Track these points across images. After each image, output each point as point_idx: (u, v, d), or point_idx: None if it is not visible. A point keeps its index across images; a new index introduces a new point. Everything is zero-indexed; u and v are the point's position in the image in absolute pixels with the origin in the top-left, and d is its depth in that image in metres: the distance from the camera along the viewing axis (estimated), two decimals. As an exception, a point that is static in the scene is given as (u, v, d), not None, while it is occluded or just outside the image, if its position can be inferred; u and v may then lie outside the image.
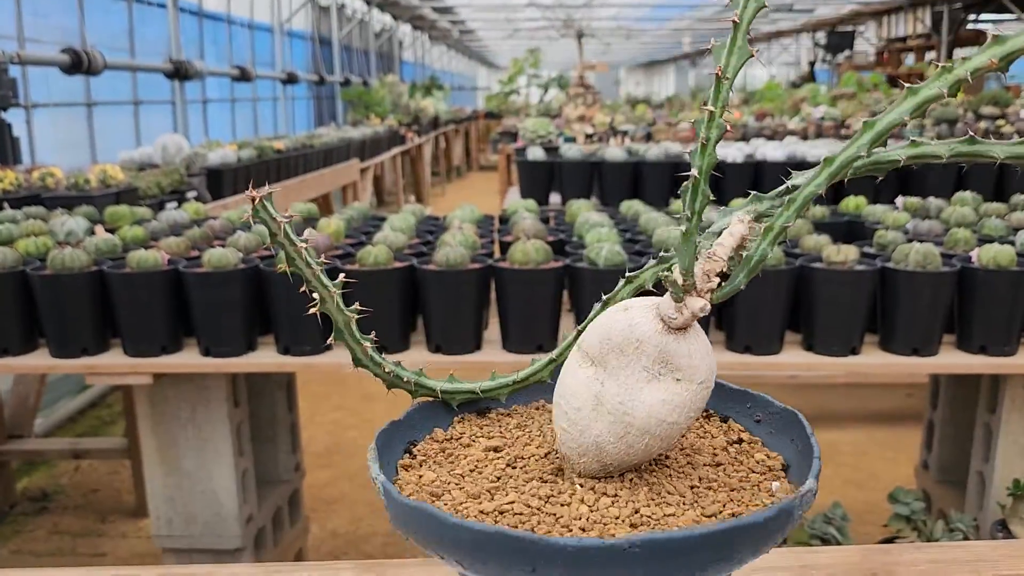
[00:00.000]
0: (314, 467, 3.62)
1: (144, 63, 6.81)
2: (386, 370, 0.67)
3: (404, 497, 0.54)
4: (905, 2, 13.33)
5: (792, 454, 0.64)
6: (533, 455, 0.63)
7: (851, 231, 2.66)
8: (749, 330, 2.04)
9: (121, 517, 3.33)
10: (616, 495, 0.57)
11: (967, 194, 2.78)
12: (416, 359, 2.07)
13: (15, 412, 3.47)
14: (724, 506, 0.56)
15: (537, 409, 0.73)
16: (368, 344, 0.67)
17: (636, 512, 0.54)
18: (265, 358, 2.13)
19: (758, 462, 0.63)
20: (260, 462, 2.64)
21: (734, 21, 0.56)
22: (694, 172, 0.56)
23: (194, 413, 2.31)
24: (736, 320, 2.05)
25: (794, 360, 2.05)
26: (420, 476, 0.61)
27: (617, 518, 0.54)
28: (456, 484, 0.59)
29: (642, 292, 0.67)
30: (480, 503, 0.56)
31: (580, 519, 0.54)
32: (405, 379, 0.68)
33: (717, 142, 0.56)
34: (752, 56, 0.57)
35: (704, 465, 0.63)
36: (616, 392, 0.57)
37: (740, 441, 0.67)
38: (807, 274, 2.02)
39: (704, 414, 0.71)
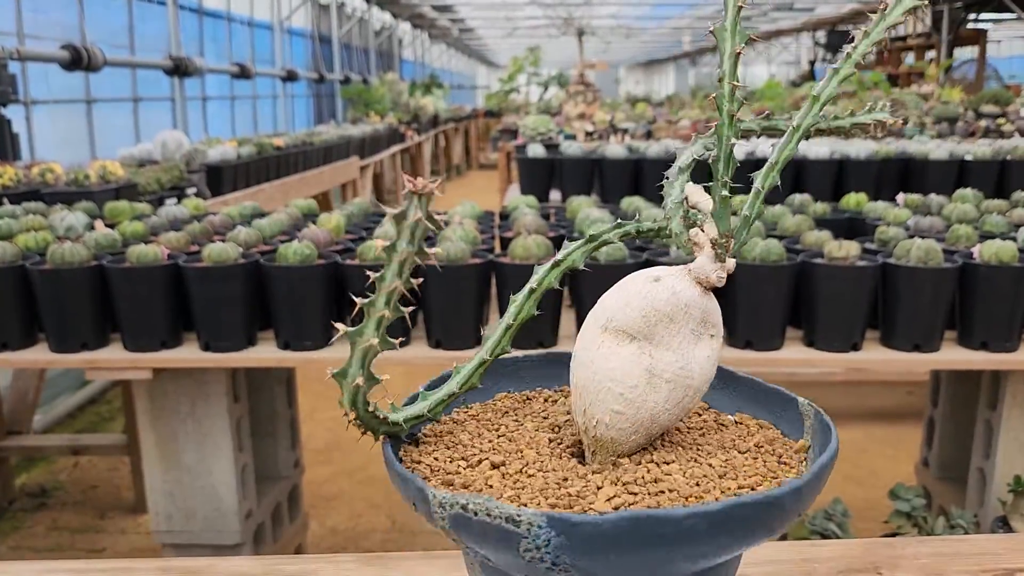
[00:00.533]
0: (313, 464, 3.62)
1: (144, 59, 6.80)
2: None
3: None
4: None
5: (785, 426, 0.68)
6: (535, 452, 0.63)
7: (852, 228, 2.66)
8: (750, 326, 2.04)
9: (120, 513, 3.32)
10: (673, 460, 0.60)
11: (968, 191, 2.77)
12: (416, 354, 2.07)
13: (14, 408, 3.46)
14: (760, 480, 0.59)
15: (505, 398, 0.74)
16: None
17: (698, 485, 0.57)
18: (265, 353, 2.12)
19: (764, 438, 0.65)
20: (260, 458, 2.64)
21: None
22: (730, 142, 0.62)
23: (194, 408, 2.30)
24: (737, 316, 2.04)
25: (795, 356, 2.05)
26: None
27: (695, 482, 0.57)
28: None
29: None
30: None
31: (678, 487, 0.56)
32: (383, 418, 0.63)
33: (738, 111, 0.62)
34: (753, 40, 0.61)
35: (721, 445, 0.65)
36: (673, 359, 0.59)
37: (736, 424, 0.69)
38: (808, 270, 2.01)
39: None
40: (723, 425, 0.68)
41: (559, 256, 0.66)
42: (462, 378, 0.66)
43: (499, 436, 0.66)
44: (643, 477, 0.57)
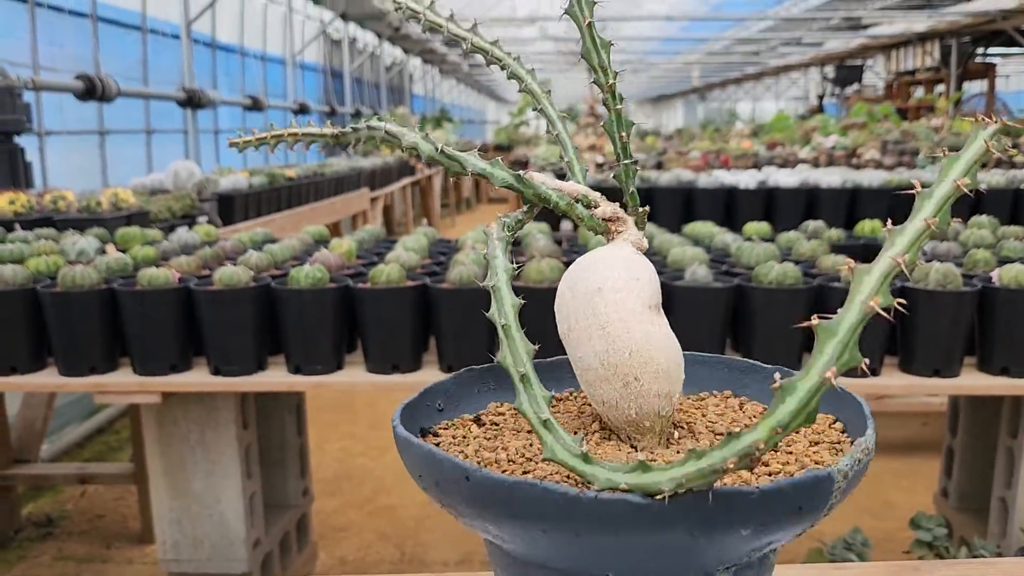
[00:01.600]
0: (322, 494, 3.58)
1: (157, 91, 6.87)
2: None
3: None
4: (914, 36, 13.39)
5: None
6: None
7: (868, 253, 2.64)
8: (766, 350, 2.01)
9: (127, 543, 3.28)
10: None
11: (984, 218, 2.75)
12: (428, 379, 2.04)
13: (22, 436, 3.44)
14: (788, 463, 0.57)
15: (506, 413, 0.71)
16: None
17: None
18: (275, 377, 2.10)
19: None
20: (268, 486, 2.61)
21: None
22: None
23: (203, 435, 2.28)
24: (753, 340, 2.02)
25: (812, 381, 2.01)
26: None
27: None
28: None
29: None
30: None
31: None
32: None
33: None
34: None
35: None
36: (665, 320, 0.61)
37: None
38: (826, 294, 1.99)
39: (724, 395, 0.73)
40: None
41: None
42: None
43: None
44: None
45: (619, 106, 0.63)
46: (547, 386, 0.72)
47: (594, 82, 0.64)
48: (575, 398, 0.71)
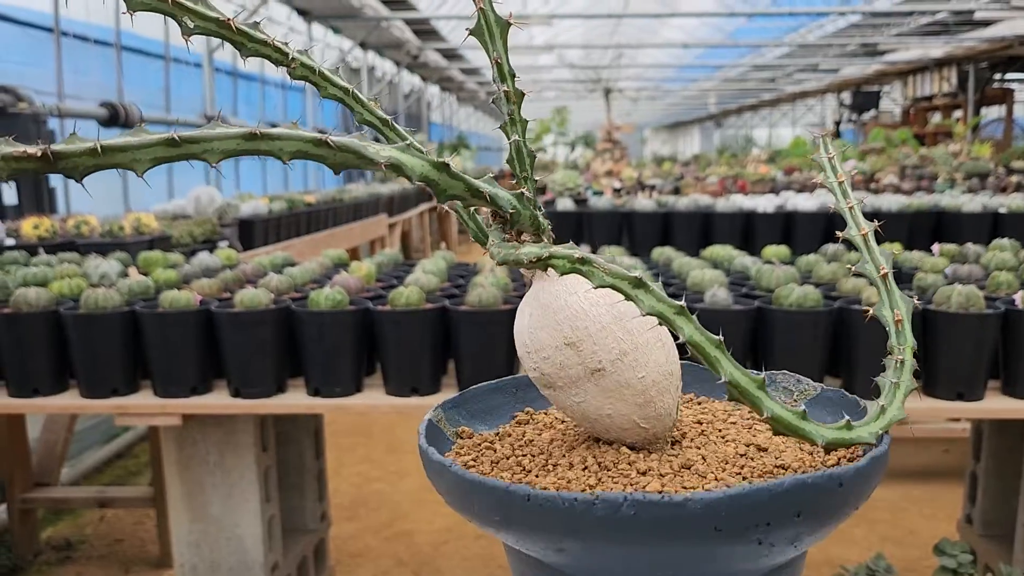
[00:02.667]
0: (339, 520, 3.57)
1: (179, 118, 6.95)
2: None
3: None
4: (931, 62, 13.38)
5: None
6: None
7: (887, 277, 2.62)
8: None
9: (145, 568, 3.28)
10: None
11: (1005, 240, 2.73)
12: (444, 400, 2.04)
13: (42, 460, 3.46)
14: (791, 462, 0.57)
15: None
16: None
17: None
18: (295, 400, 2.11)
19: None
20: (287, 510, 2.61)
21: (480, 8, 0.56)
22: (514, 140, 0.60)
23: (222, 458, 2.28)
24: (773, 362, 2.00)
25: (834, 405, 2.00)
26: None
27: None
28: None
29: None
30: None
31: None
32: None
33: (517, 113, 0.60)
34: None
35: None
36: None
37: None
38: (847, 316, 1.98)
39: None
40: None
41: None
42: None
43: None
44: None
45: (516, 138, 0.59)
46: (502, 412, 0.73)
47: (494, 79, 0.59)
48: (534, 419, 0.71)
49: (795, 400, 0.70)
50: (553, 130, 15.22)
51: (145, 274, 2.50)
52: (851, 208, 0.65)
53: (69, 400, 2.12)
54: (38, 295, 2.11)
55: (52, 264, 2.61)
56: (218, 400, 2.11)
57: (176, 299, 2.06)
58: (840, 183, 0.67)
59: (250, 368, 2.08)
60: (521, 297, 2.15)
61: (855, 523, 3.35)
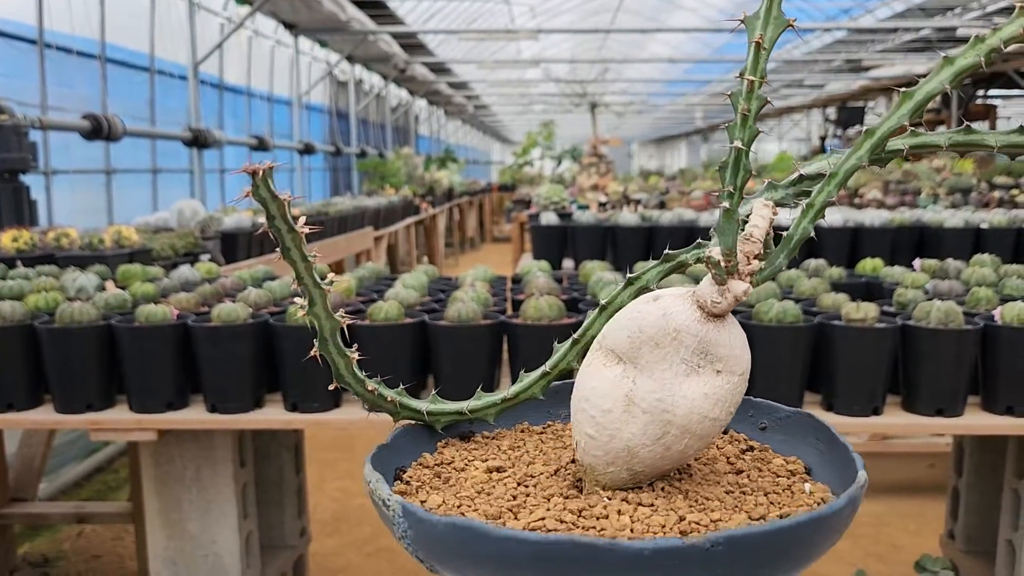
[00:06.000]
0: (321, 535, 3.54)
1: (163, 131, 6.92)
2: (368, 388, 0.63)
3: (437, 515, 0.48)
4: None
5: (812, 457, 0.62)
6: (542, 473, 0.59)
7: (869, 292, 2.62)
8: (767, 389, 1.99)
9: (123, 584, 3.24)
10: (653, 504, 0.53)
11: (986, 256, 2.74)
12: (426, 417, 2.03)
13: (20, 475, 3.42)
14: (767, 508, 0.53)
15: (523, 431, 0.70)
16: (355, 356, 0.63)
17: (682, 519, 0.50)
18: (272, 415, 2.09)
19: (779, 467, 0.60)
20: (266, 526, 2.58)
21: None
22: (736, 144, 0.53)
23: (199, 473, 2.26)
24: (754, 378, 1.99)
25: (814, 420, 1.99)
26: (424, 501, 0.57)
27: (663, 526, 0.50)
28: (469, 506, 0.55)
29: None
30: (504, 522, 0.52)
31: (625, 529, 0.49)
32: (388, 399, 0.64)
33: (758, 114, 0.53)
34: (790, 25, 0.55)
35: (726, 473, 0.59)
36: (652, 389, 0.53)
37: (751, 449, 0.64)
38: (826, 332, 1.97)
39: None
40: (741, 458, 0.64)
41: (604, 300, 0.63)
42: (519, 388, 0.64)
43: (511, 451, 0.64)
44: (587, 508, 0.53)
45: (740, 144, 0.55)
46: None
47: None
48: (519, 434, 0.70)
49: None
50: (540, 144, 15.25)
51: (123, 287, 2.48)
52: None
53: (44, 415, 2.10)
54: (13, 308, 2.09)
55: (29, 277, 2.58)
56: (195, 415, 2.08)
57: (152, 313, 2.04)
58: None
59: (227, 383, 2.06)
60: (501, 312, 2.14)
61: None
